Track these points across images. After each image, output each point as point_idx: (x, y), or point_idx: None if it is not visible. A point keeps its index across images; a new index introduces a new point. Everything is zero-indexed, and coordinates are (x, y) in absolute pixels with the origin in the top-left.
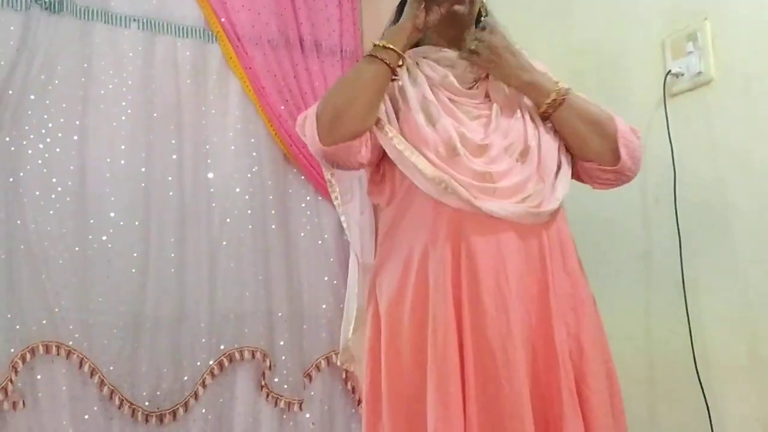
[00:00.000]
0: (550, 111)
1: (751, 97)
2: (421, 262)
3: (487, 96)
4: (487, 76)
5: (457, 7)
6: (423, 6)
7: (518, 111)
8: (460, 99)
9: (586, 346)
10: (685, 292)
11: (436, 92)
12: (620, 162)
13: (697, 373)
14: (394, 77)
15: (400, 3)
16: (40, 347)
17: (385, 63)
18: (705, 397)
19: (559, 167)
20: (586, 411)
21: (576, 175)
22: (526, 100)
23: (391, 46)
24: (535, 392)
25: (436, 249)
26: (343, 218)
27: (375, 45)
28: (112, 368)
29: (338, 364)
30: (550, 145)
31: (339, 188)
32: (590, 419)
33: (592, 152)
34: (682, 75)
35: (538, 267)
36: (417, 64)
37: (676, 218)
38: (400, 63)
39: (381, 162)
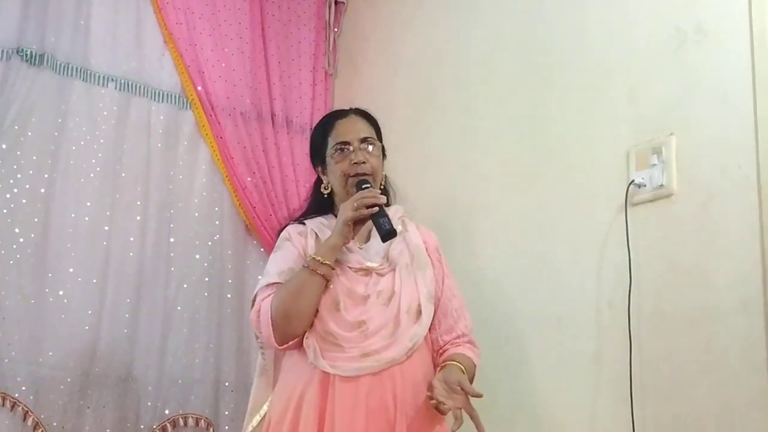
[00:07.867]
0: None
1: (709, 213)
2: (299, 399)
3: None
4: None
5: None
6: (352, 227)
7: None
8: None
9: None
10: (632, 398)
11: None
12: None
13: None
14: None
15: (316, 181)
16: None
17: (323, 276)
18: None
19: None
20: None
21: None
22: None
23: (327, 262)
24: None
25: (310, 391)
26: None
27: (314, 259)
28: (55, 424)
29: None
30: (411, 290)
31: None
32: None
33: None
34: (644, 186)
35: (388, 409)
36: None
37: (629, 324)
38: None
39: None
